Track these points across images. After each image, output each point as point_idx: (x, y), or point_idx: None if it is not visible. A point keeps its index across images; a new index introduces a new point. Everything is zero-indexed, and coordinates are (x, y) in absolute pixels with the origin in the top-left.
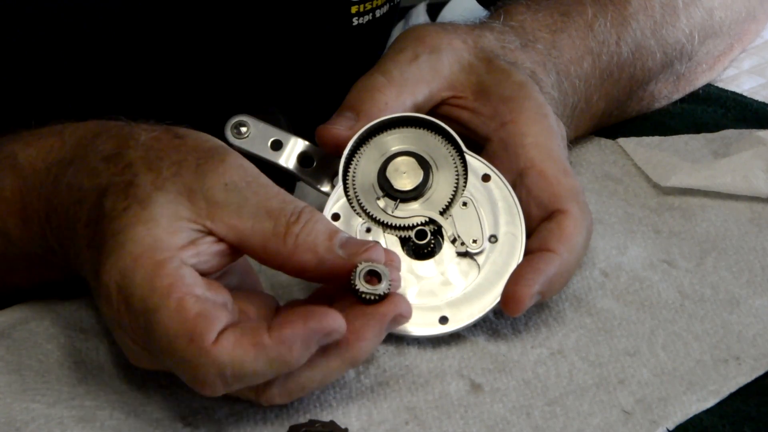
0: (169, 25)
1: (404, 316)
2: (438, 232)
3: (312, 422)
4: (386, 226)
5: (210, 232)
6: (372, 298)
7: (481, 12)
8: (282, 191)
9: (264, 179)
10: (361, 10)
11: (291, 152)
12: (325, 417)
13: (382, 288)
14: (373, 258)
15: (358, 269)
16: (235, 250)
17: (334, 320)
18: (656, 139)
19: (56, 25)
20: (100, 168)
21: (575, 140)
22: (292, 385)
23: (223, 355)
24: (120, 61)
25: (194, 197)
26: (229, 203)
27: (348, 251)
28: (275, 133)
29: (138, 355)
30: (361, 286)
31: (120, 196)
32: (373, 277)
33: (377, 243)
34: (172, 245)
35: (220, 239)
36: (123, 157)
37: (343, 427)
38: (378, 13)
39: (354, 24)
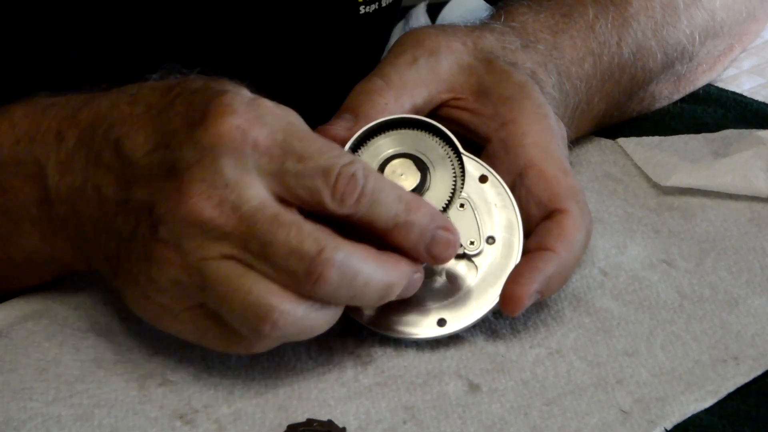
0: (173, 15)
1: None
2: None
3: (310, 421)
4: None
5: None
6: None
7: (482, 11)
8: None
9: None
10: None
11: None
12: (323, 416)
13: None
14: None
15: None
16: None
17: None
18: (656, 139)
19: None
20: (169, 81)
21: (575, 140)
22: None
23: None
24: (121, 50)
25: None
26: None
27: None
28: None
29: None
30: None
31: (217, 85)
32: None
33: None
34: None
35: None
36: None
37: (341, 426)
38: (384, 2)
39: (361, 12)
